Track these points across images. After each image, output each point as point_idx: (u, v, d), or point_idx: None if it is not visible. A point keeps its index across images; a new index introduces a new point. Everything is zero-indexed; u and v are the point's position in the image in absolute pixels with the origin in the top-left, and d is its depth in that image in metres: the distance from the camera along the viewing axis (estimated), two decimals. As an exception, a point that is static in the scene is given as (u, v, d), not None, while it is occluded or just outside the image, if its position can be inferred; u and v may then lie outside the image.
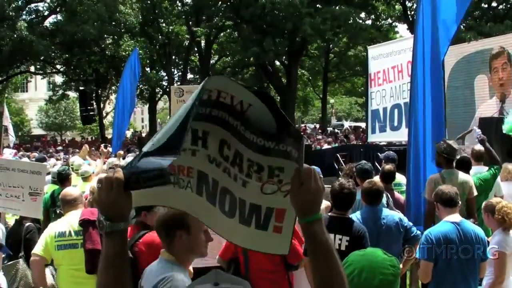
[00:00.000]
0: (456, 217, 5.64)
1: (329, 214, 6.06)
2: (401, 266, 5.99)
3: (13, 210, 7.57)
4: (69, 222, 6.06)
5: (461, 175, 7.83)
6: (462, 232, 5.45)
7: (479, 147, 9.68)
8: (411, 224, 6.44)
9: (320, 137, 33.85)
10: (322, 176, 8.18)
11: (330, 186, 10.31)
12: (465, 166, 8.29)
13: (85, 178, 10.24)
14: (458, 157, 8.13)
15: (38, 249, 6.00)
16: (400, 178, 9.00)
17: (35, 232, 7.47)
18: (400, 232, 6.28)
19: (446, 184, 7.08)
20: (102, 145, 14.55)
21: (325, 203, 6.72)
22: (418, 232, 6.43)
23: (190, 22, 46.66)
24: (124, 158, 13.28)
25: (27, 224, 7.13)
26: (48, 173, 10.38)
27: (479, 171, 8.76)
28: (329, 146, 25.54)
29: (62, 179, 9.25)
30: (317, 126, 54.02)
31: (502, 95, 14.64)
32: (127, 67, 17.51)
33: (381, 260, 2.73)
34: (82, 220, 5.90)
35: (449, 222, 5.55)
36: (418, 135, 8.42)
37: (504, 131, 9.21)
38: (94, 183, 8.70)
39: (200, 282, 2.07)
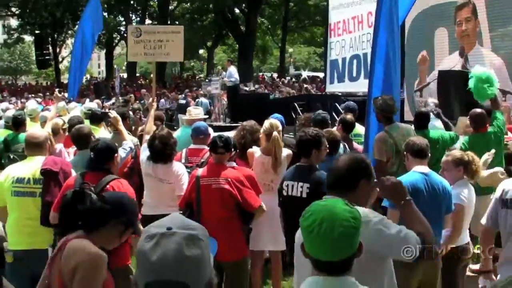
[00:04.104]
0: (425, 168, 5.65)
1: (298, 164, 6.26)
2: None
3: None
4: (31, 168, 5.70)
5: (404, 127, 7.79)
6: (430, 183, 5.46)
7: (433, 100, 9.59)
8: (367, 173, 6.47)
9: (282, 87, 33.51)
10: (284, 125, 8.17)
11: (288, 135, 10.28)
12: (423, 120, 8.14)
13: (40, 123, 10.05)
14: (396, 113, 7.95)
15: None
16: (359, 128, 8.88)
17: None
18: (356, 181, 6.32)
19: (394, 139, 7.27)
20: (57, 90, 14.37)
21: (285, 151, 6.75)
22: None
23: (149, -34, 45.67)
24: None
25: None
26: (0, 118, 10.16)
27: (436, 127, 8.68)
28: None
29: (18, 123, 8.96)
30: (275, 75, 53.84)
31: (461, 49, 14.67)
32: (86, 11, 17.07)
33: (341, 212, 2.62)
34: (44, 170, 5.60)
35: (418, 172, 5.57)
36: (378, 87, 8.39)
37: (469, 87, 9.01)
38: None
39: (155, 226, 2.08)
